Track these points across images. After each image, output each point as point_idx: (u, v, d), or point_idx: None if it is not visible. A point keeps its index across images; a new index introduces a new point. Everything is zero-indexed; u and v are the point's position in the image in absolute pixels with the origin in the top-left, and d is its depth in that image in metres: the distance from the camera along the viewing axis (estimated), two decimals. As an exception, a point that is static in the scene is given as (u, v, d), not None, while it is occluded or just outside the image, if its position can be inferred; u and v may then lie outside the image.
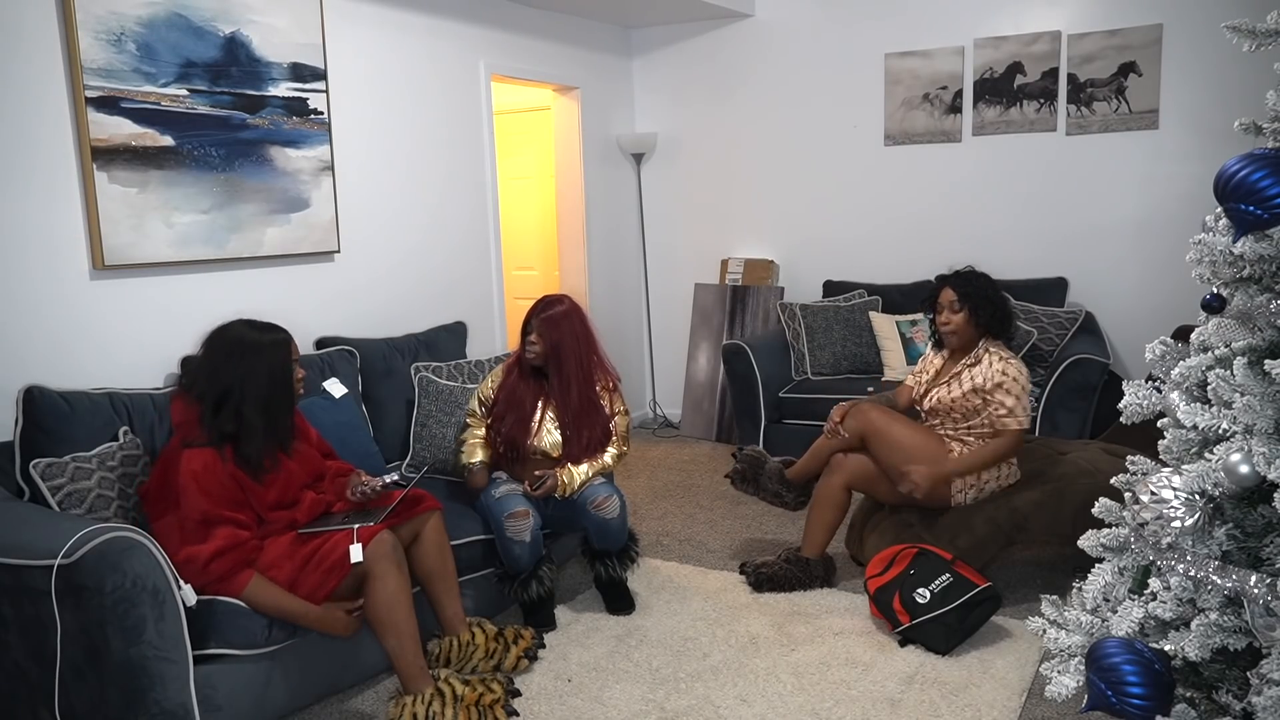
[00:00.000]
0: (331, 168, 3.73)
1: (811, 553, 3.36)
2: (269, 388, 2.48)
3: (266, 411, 2.47)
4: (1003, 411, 3.12)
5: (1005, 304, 3.24)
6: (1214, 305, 1.85)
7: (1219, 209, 1.74)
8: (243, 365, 2.46)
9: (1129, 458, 2.08)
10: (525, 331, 3.19)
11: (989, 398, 3.14)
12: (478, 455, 3.23)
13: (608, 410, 3.24)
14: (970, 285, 3.20)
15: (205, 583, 2.33)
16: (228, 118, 3.33)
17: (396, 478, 2.76)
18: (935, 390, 3.28)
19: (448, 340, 4.00)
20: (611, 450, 3.23)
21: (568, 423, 3.16)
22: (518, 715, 2.59)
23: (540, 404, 3.20)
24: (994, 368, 3.14)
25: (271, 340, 2.52)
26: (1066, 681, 1.87)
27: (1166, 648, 1.74)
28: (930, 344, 3.42)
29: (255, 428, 2.45)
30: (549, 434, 3.18)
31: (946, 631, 2.86)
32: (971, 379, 3.18)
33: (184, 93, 3.18)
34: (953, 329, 3.21)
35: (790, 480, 3.52)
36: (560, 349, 3.14)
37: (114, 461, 2.59)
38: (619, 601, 3.25)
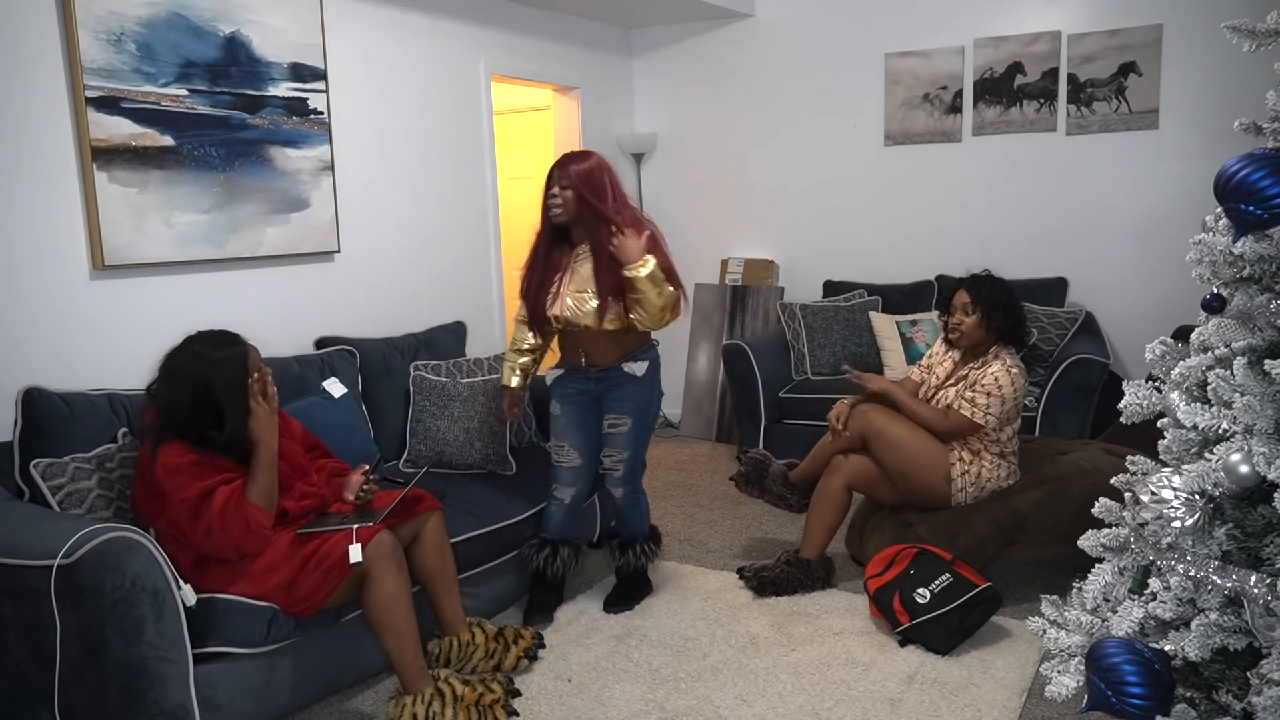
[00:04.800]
0: (331, 168, 3.73)
1: (811, 554, 3.36)
2: (234, 400, 2.45)
3: (237, 419, 2.46)
4: (968, 395, 3.16)
5: (1019, 311, 3.25)
6: (1214, 305, 1.85)
7: (1219, 209, 1.74)
8: (201, 384, 2.42)
9: (1129, 458, 2.08)
10: (546, 187, 3.01)
11: (970, 388, 3.18)
12: (514, 380, 3.26)
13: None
14: (985, 290, 3.22)
15: (231, 536, 2.35)
16: (228, 118, 3.33)
17: (367, 467, 2.79)
18: (944, 393, 3.28)
19: (447, 340, 4.00)
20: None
21: (608, 285, 2.93)
22: (518, 715, 2.59)
23: (561, 268, 3.03)
24: (992, 371, 3.16)
25: (224, 356, 2.47)
26: (1066, 681, 1.87)
27: (1166, 648, 1.74)
28: (940, 340, 3.43)
29: (234, 435, 2.45)
30: (568, 299, 2.99)
31: (946, 631, 2.86)
32: (965, 377, 3.20)
33: (184, 93, 3.18)
34: (963, 330, 3.23)
35: (794, 483, 3.53)
36: (589, 198, 2.93)
37: (113, 463, 2.59)
38: (623, 594, 3.27)
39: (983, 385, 3.15)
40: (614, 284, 2.93)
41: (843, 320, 5.00)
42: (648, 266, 2.88)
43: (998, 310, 3.19)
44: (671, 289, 2.95)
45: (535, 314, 3.07)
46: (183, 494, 2.34)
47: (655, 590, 3.38)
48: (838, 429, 3.32)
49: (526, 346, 3.23)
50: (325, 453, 2.88)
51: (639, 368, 3.08)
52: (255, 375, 2.51)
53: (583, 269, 3.00)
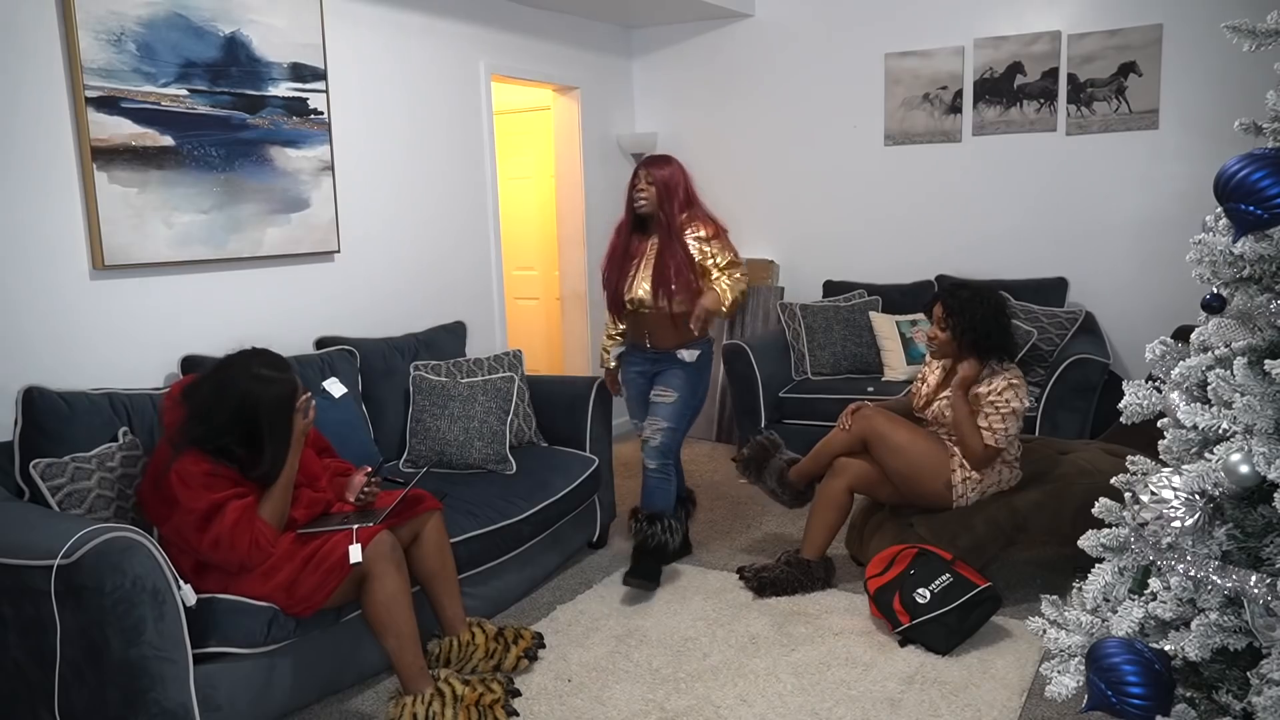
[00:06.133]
0: (331, 168, 3.73)
1: (812, 554, 3.36)
2: (277, 426, 2.46)
3: (275, 445, 2.47)
4: (985, 424, 3.12)
5: (997, 331, 3.14)
6: (1214, 305, 1.85)
7: (1219, 209, 1.74)
8: (250, 403, 2.42)
9: (1129, 458, 2.08)
10: (633, 183, 3.40)
11: (983, 409, 3.14)
12: (613, 362, 3.68)
13: (709, 260, 3.38)
14: (961, 305, 3.15)
15: (238, 551, 2.35)
16: (228, 118, 3.33)
17: (370, 470, 2.79)
18: (937, 403, 3.27)
19: (447, 340, 4.00)
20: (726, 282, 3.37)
21: (661, 274, 3.32)
22: (518, 715, 2.59)
23: (638, 255, 3.42)
24: (993, 386, 3.12)
25: (278, 379, 2.48)
26: (1066, 681, 1.87)
27: (1166, 648, 1.74)
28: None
29: (263, 457, 2.45)
30: (644, 283, 3.38)
31: (946, 631, 2.86)
32: (976, 395, 3.16)
33: (184, 93, 3.18)
34: (936, 343, 3.23)
35: (791, 481, 3.52)
36: (665, 198, 3.35)
37: (113, 462, 2.59)
38: (646, 564, 3.36)
39: (997, 408, 3.10)
40: (669, 293, 3.33)
41: (843, 320, 5.00)
42: (726, 303, 3.33)
43: (969, 331, 3.12)
44: (743, 288, 3.42)
45: (615, 299, 3.49)
46: (193, 504, 2.34)
47: (659, 586, 3.38)
48: (844, 426, 3.33)
49: (616, 332, 3.68)
50: (331, 453, 2.88)
51: (690, 355, 3.43)
52: (304, 397, 2.52)
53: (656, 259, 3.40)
